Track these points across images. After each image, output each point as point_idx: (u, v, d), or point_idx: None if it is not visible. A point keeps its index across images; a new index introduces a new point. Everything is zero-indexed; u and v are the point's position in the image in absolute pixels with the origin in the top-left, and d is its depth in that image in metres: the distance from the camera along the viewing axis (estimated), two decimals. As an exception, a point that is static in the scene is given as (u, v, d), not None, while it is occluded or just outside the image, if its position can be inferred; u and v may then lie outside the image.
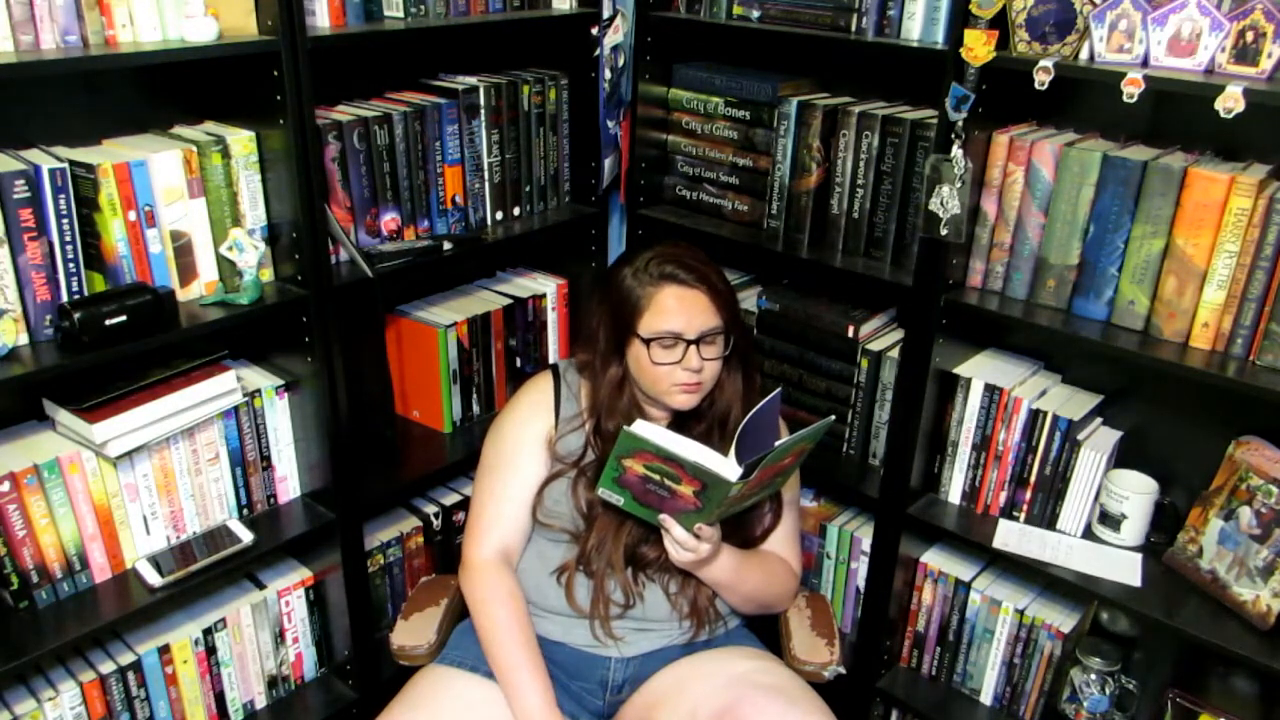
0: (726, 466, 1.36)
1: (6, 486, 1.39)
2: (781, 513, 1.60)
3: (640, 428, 1.35)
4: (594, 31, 1.95)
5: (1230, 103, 1.30)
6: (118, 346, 1.38)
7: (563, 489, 1.54)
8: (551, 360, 2.13)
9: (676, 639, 1.54)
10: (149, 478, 1.55)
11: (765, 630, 1.64)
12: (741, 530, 1.57)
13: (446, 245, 1.80)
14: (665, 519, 1.42)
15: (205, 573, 1.56)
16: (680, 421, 1.55)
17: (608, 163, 2.07)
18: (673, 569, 1.50)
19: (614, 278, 1.52)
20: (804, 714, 1.35)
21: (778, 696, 1.37)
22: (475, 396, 2.02)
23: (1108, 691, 1.76)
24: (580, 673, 1.52)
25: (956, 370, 1.77)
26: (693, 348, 1.46)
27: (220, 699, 1.74)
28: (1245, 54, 1.34)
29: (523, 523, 1.56)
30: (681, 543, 1.43)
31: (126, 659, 1.59)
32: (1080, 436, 1.69)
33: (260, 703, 1.82)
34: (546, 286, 2.10)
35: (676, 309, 1.46)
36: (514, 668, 1.44)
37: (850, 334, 1.89)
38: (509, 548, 1.56)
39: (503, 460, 1.58)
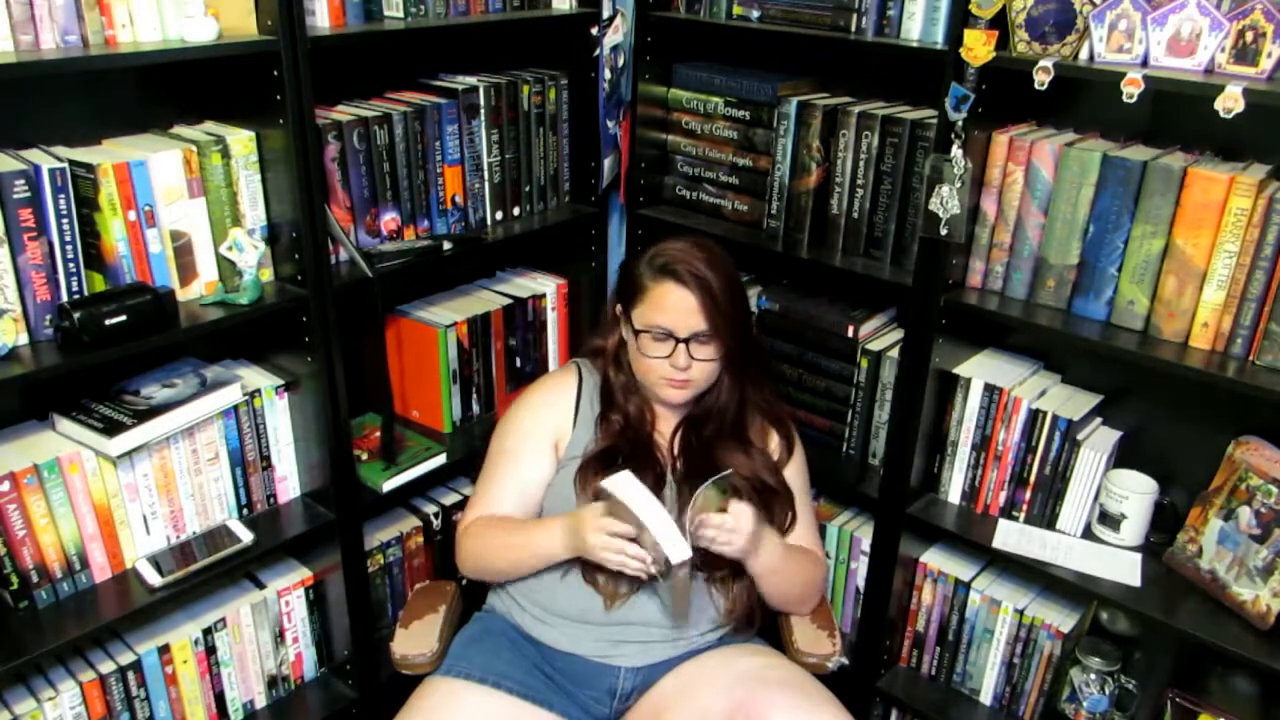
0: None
1: (6, 486, 1.39)
2: (796, 510, 1.61)
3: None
4: (594, 31, 1.95)
5: (1230, 103, 1.30)
6: (118, 346, 1.38)
7: (565, 495, 1.54)
8: (552, 361, 2.14)
9: (695, 643, 1.52)
10: (149, 478, 1.55)
11: (765, 630, 1.64)
12: None
13: (446, 245, 1.80)
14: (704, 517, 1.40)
15: (205, 573, 1.56)
16: (692, 423, 1.57)
17: (608, 163, 2.07)
18: (707, 569, 1.49)
19: (632, 259, 1.57)
20: (816, 706, 1.35)
21: (789, 690, 1.37)
22: (475, 396, 2.02)
23: (1107, 691, 1.76)
24: (589, 682, 1.51)
25: (956, 370, 1.77)
26: (681, 346, 1.47)
27: (220, 699, 1.74)
28: (1245, 54, 1.34)
29: (518, 511, 1.58)
30: (720, 526, 1.40)
31: (126, 659, 1.59)
32: (1080, 436, 1.69)
33: (260, 702, 1.82)
34: (546, 286, 2.10)
35: (668, 306, 1.47)
36: (523, 530, 1.51)
37: (850, 334, 1.89)
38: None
39: (510, 450, 1.60)
